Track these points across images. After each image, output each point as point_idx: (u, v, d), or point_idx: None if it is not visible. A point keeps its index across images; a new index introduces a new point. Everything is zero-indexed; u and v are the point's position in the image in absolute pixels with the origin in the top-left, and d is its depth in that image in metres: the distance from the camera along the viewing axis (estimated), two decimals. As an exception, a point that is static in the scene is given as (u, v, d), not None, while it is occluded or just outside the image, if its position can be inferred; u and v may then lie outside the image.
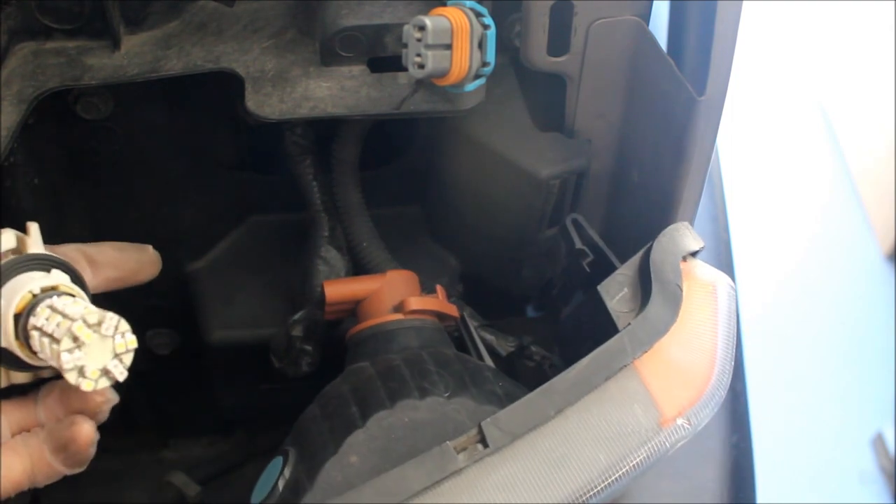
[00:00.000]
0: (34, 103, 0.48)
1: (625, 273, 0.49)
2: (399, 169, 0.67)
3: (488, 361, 0.55)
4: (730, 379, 0.46)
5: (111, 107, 0.54)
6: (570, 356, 0.57)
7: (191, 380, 0.69)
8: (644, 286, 0.48)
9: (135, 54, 0.49)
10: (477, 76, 0.47)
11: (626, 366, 0.43)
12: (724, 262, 0.86)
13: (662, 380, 0.44)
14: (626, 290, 0.48)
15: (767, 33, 2.39)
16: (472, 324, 0.58)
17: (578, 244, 0.55)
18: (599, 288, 0.48)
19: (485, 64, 0.47)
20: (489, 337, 0.59)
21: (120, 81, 0.49)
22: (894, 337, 1.83)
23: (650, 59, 0.50)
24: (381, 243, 0.60)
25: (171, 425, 0.74)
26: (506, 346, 0.59)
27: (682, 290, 0.46)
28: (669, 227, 0.49)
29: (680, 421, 0.43)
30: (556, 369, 0.57)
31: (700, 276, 0.48)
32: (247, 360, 0.64)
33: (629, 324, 0.45)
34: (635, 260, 0.49)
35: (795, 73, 2.39)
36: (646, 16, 0.50)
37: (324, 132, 0.61)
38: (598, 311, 0.48)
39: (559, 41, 0.50)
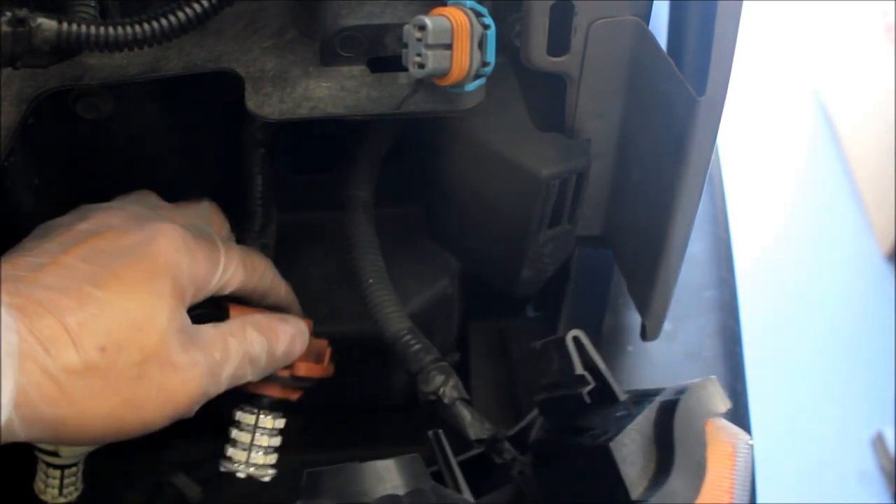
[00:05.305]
0: (34, 103, 0.48)
1: (638, 430, 0.45)
2: (399, 169, 0.67)
3: (466, 493, 0.51)
4: None
5: (111, 107, 0.54)
6: (549, 482, 0.53)
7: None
8: (662, 449, 0.44)
9: (135, 54, 0.49)
10: (477, 76, 0.47)
11: None
12: (724, 262, 0.86)
13: None
14: (639, 449, 0.45)
15: (767, 32, 2.39)
16: (450, 452, 0.54)
17: (580, 369, 0.49)
18: (612, 446, 0.44)
19: (485, 64, 0.47)
20: (465, 414, 0.56)
21: (120, 81, 0.49)
22: (894, 337, 1.83)
23: (650, 59, 0.50)
24: (388, 283, 0.59)
25: (171, 425, 0.74)
26: (477, 432, 0.55)
27: (706, 462, 0.43)
28: (696, 385, 0.45)
29: None
30: (526, 478, 0.54)
31: (721, 438, 0.45)
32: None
33: (646, 502, 0.42)
34: (651, 413, 0.45)
35: (796, 73, 2.39)
36: (646, 16, 0.50)
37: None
38: (601, 462, 0.45)
39: (559, 41, 0.50)
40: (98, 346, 0.44)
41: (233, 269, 0.52)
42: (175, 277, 0.47)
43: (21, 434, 0.42)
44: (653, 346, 0.74)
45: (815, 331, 1.89)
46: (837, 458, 1.71)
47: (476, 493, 0.52)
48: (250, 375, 0.52)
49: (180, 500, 0.66)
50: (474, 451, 0.57)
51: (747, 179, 2.13)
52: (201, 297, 0.50)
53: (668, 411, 0.45)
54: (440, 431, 0.54)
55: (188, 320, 0.48)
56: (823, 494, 1.65)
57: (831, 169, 2.19)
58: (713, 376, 0.46)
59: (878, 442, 1.70)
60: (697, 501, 0.43)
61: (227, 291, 0.52)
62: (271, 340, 0.53)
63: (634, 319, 0.68)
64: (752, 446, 0.46)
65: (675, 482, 0.43)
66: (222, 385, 0.50)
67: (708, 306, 0.82)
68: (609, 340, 0.77)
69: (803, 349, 1.86)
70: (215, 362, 0.49)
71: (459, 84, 0.47)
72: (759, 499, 0.74)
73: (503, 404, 0.72)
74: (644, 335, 0.61)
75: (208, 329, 0.50)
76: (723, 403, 0.45)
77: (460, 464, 0.53)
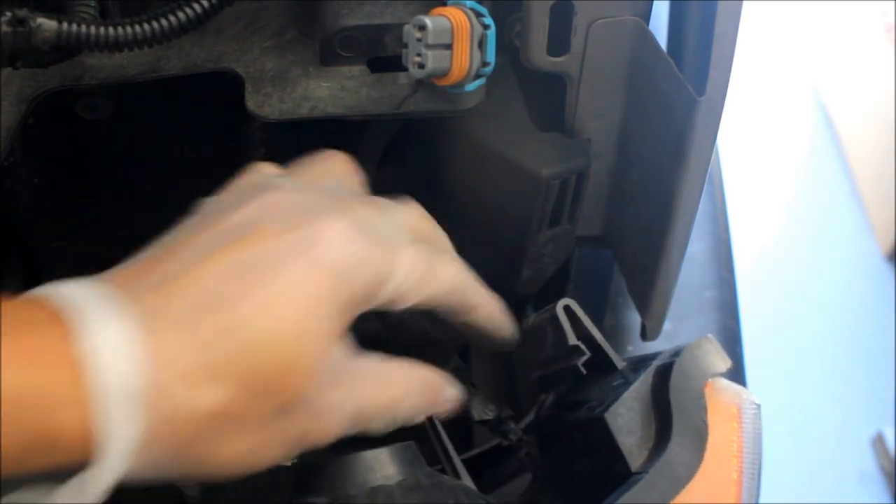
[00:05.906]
0: (34, 103, 0.48)
1: (634, 397, 0.43)
2: (399, 169, 0.67)
3: (465, 479, 0.49)
4: None
5: (111, 107, 0.55)
6: (554, 461, 0.51)
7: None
8: (660, 415, 0.42)
9: (135, 54, 0.49)
10: (477, 76, 0.47)
11: None
12: (724, 262, 0.86)
13: None
14: (636, 417, 0.42)
15: (767, 31, 2.39)
16: (446, 438, 0.51)
17: (573, 340, 0.48)
18: (607, 416, 0.42)
19: (485, 64, 0.47)
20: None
21: (120, 81, 0.49)
22: (894, 337, 1.83)
23: (650, 59, 0.50)
24: None
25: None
26: (481, 413, 0.53)
27: (706, 425, 0.41)
28: (691, 345, 0.43)
29: None
30: (534, 459, 0.53)
31: (723, 399, 0.43)
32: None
33: (646, 472, 0.40)
34: (647, 379, 0.43)
35: (796, 72, 2.39)
36: (646, 16, 0.50)
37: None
38: (598, 434, 0.43)
39: (559, 41, 0.50)
40: (239, 386, 0.36)
41: (408, 278, 0.42)
42: (336, 306, 0.38)
43: (121, 479, 0.34)
44: (653, 346, 0.74)
45: (815, 331, 1.90)
46: (837, 458, 1.71)
47: (484, 490, 0.51)
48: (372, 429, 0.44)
49: (180, 499, 0.66)
50: (477, 450, 0.56)
51: (747, 179, 2.13)
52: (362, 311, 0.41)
53: (663, 375, 0.43)
54: (433, 416, 0.51)
55: (340, 351, 0.40)
56: (823, 494, 1.65)
57: (831, 169, 2.19)
58: (710, 335, 0.44)
59: (878, 442, 1.70)
60: (703, 467, 0.40)
61: (400, 307, 0.43)
62: (425, 407, 0.45)
63: (634, 319, 0.68)
64: (758, 406, 0.43)
65: (675, 448, 0.40)
66: (347, 432, 0.42)
67: (708, 306, 0.82)
68: (609, 340, 0.77)
69: (803, 349, 1.87)
70: (359, 412, 0.41)
71: (459, 84, 0.47)
72: (759, 499, 0.74)
73: (504, 404, 0.72)
74: (644, 335, 0.61)
75: (369, 366, 0.42)
76: (722, 362, 0.43)
77: (465, 461, 0.52)
